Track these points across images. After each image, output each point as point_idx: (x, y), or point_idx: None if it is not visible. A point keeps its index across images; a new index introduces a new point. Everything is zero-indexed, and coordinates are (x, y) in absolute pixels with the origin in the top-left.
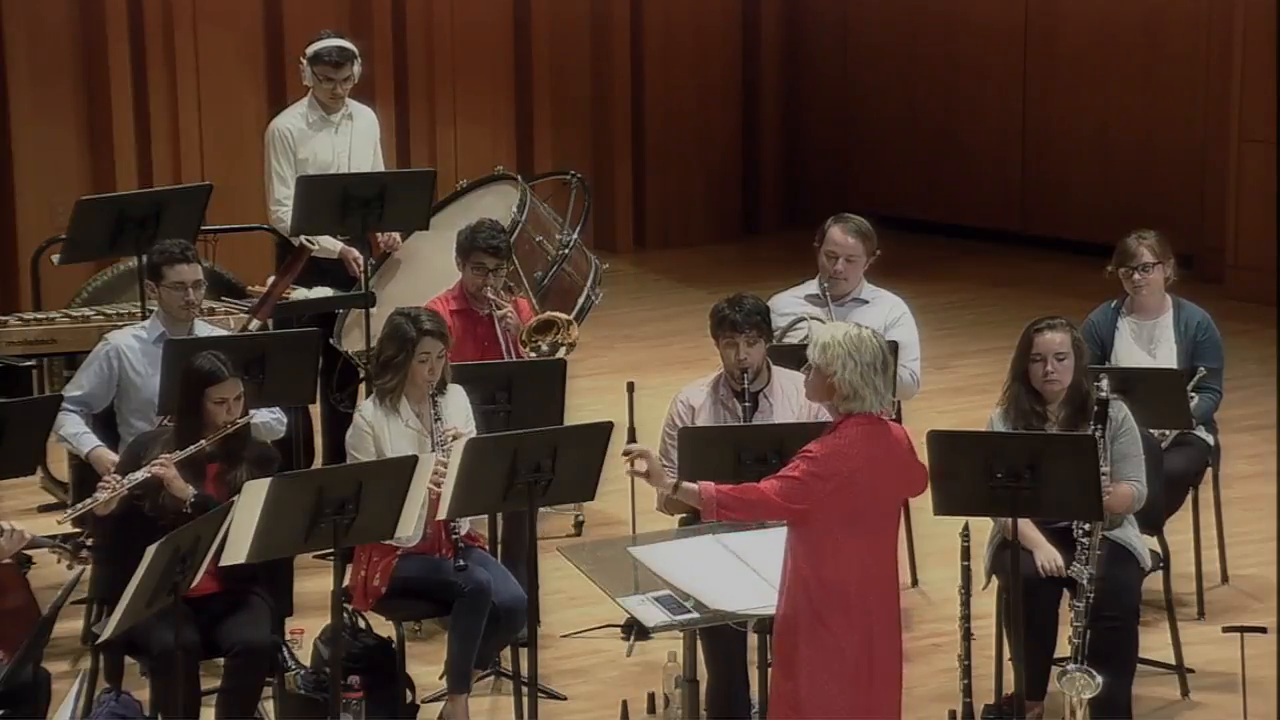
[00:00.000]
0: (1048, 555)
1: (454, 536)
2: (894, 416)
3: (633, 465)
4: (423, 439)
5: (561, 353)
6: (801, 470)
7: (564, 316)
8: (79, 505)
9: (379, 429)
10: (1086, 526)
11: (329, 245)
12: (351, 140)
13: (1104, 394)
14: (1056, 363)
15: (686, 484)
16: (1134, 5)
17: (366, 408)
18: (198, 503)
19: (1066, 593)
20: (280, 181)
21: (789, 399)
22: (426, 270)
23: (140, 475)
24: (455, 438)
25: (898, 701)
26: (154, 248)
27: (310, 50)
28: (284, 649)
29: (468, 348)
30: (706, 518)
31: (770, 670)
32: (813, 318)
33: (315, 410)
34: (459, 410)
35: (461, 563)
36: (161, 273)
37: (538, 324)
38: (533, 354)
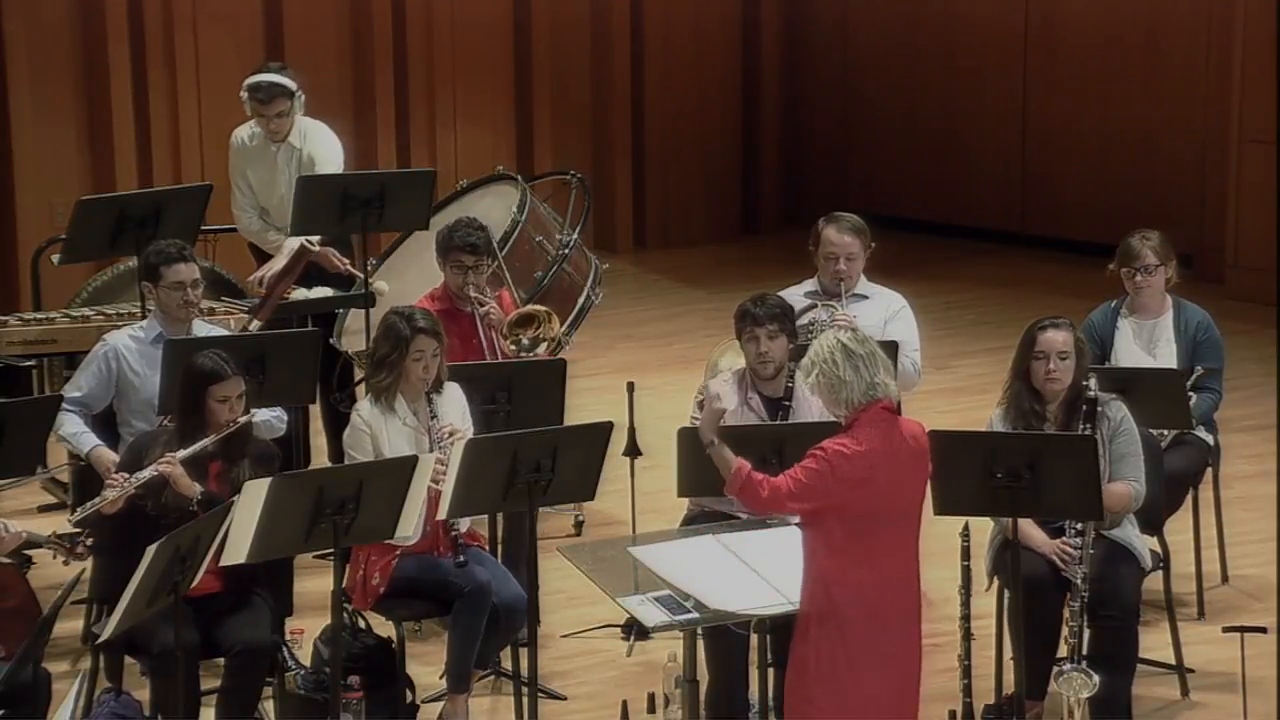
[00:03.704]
0: (1051, 546)
1: (453, 534)
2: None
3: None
4: (420, 437)
5: (543, 348)
6: (811, 469)
7: (544, 309)
8: (87, 505)
9: (376, 428)
10: (1079, 526)
11: (291, 246)
12: (290, 172)
13: (1092, 393)
14: (1059, 361)
15: (727, 452)
16: (1134, 6)
17: (364, 407)
18: (204, 500)
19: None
20: (235, 187)
21: (810, 406)
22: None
23: (147, 474)
24: (452, 434)
25: (916, 700)
26: (149, 249)
27: (248, 80)
28: (284, 649)
29: (452, 346)
30: (726, 491)
31: (787, 670)
32: (825, 304)
33: (314, 410)
34: (455, 407)
35: (462, 559)
36: (159, 273)
37: (518, 318)
38: (513, 347)
